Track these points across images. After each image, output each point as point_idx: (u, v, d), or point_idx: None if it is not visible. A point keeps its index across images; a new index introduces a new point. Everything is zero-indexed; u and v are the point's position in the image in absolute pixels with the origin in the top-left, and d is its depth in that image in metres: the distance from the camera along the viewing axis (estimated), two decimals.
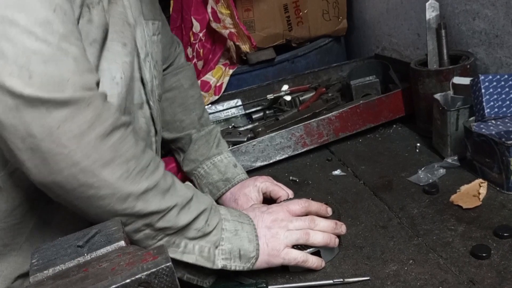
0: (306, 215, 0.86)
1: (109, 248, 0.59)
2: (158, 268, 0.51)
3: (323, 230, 0.84)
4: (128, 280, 0.50)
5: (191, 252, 0.76)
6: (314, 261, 0.82)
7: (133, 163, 0.68)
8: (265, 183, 1.02)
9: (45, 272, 0.58)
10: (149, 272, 0.51)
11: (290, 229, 0.82)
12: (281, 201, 0.95)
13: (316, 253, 0.83)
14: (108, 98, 0.70)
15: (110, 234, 0.61)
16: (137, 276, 0.50)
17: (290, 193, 1.02)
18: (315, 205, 0.88)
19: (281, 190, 1.01)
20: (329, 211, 0.89)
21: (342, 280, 0.79)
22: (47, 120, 0.61)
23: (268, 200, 1.02)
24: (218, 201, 1.05)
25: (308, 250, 0.83)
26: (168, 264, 0.51)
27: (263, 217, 0.83)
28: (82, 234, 0.63)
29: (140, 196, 0.68)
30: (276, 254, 0.81)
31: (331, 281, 0.79)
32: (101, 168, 0.64)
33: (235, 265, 0.79)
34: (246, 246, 0.79)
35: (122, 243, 0.59)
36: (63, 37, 0.63)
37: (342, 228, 0.86)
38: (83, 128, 0.62)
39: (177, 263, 0.76)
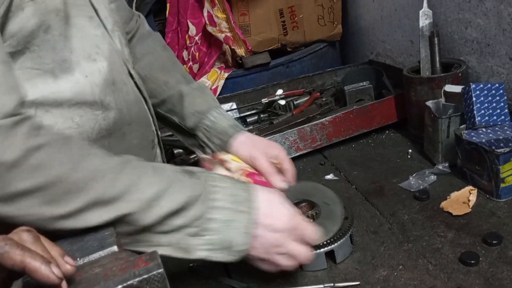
0: None
1: (101, 253, 0.59)
2: (150, 274, 0.51)
3: None
4: (120, 286, 0.51)
5: None
6: None
7: None
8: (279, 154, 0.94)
9: None
10: (141, 278, 0.51)
11: None
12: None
13: (330, 252, 0.84)
14: (89, 77, 0.70)
15: (103, 239, 0.62)
16: (129, 282, 0.51)
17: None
18: None
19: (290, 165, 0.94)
20: None
21: (332, 284, 0.80)
22: None
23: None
24: (227, 147, 0.96)
25: (323, 250, 0.83)
26: (160, 270, 0.52)
27: None
28: (75, 239, 0.64)
29: None
30: None
31: (321, 286, 0.80)
32: None
33: None
34: None
35: (114, 248, 0.60)
36: None
37: None
38: None
39: None
